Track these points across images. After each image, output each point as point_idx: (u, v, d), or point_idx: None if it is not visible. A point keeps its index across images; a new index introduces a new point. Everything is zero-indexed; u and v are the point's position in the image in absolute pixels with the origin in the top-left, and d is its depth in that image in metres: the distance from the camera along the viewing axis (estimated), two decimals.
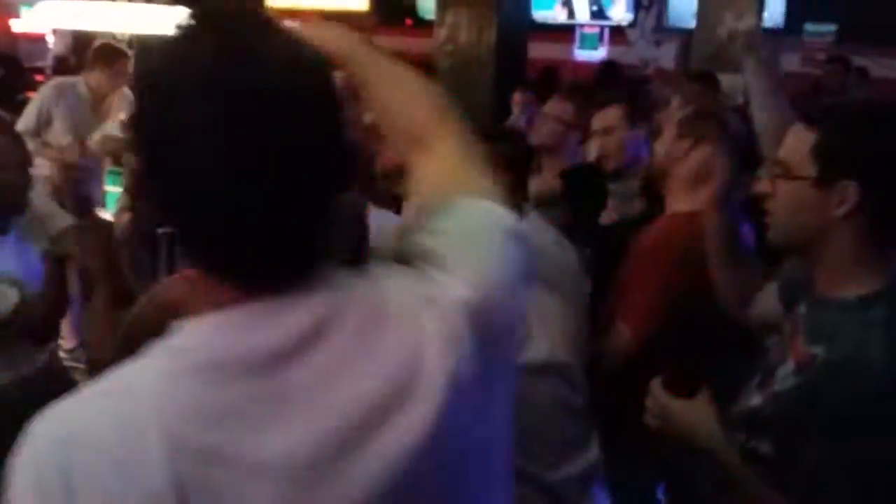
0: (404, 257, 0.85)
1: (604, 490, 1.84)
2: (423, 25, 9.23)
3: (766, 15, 5.73)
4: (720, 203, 1.49)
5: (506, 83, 6.02)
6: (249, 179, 0.71)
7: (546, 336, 1.73)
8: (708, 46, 5.30)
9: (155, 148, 0.74)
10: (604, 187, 2.47)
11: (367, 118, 1.27)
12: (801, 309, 1.34)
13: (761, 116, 2.05)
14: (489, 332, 0.80)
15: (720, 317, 2.12)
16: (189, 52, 0.73)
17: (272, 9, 10.81)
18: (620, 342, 2.00)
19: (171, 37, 0.75)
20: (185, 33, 0.75)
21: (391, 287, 0.80)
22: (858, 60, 5.94)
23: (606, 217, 2.32)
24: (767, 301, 1.47)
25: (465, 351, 0.77)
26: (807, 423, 1.18)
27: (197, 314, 0.75)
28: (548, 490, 1.73)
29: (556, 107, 3.01)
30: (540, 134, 2.96)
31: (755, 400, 1.31)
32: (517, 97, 4.88)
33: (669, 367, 1.43)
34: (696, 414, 1.36)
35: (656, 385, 1.41)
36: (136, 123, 0.75)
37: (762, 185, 1.35)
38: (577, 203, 2.41)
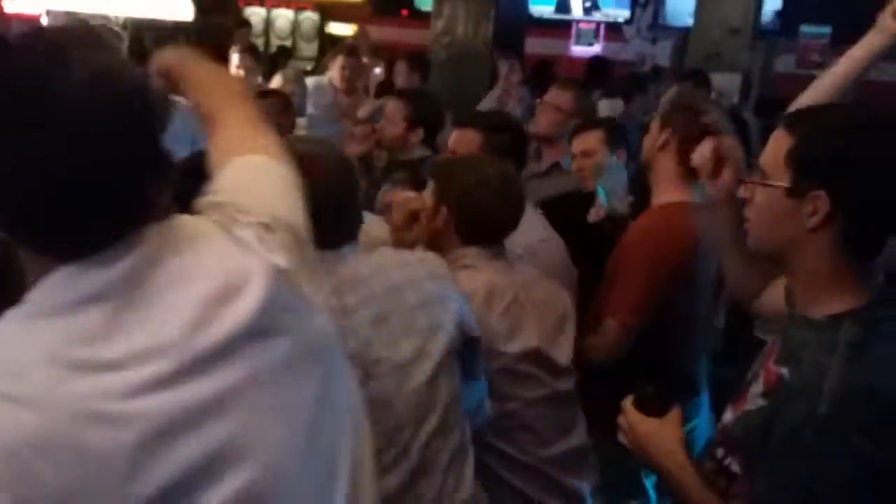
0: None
1: (591, 473, 1.87)
2: (420, 17, 9.21)
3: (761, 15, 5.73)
4: (730, 194, 1.43)
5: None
6: (57, 181, 0.80)
7: (531, 325, 1.78)
8: (704, 45, 5.31)
9: None
10: (583, 219, 2.47)
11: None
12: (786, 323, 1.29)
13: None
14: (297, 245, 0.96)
15: (701, 316, 2.17)
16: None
17: None
18: (609, 337, 2.03)
19: None
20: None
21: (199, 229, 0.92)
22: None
23: (594, 214, 2.35)
24: (778, 296, 1.42)
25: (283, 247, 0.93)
26: (763, 448, 1.15)
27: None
28: (531, 468, 1.76)
29: (556, 96, 3.04)
30: (540, 123, 3.00)
31: (727, 416, 1.28)
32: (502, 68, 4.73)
33: (642, 385, 1.41)
34: (659, 435, 1.35)
35: (628, 403, 1.40)
36: None
37: (742, 191, 1.29)
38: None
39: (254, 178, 1.01)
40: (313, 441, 0.91)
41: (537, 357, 1.77)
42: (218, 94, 1.14)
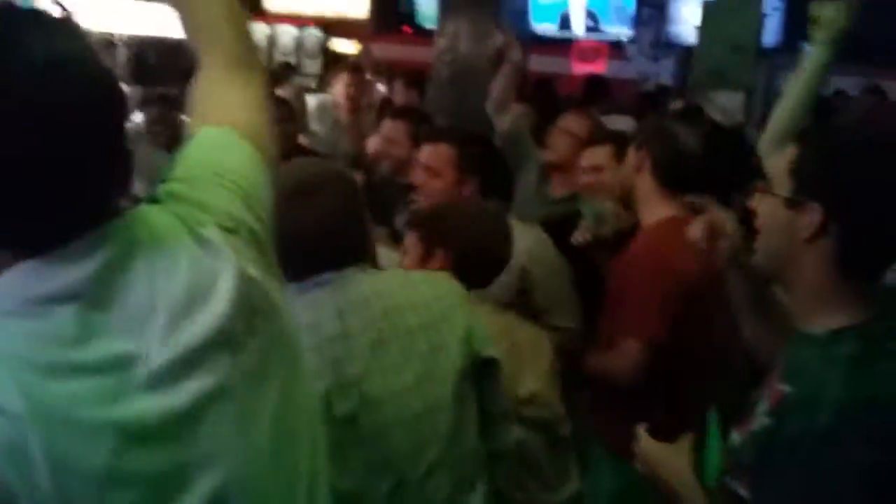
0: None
1: None
2: (422, 34, 9.24)
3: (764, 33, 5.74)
4: (734, 261, 1.44)
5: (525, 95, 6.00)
6: (16, 171, 0.76)
7: (529, 369, 1.76)
8: (707, 63, 5.31)
9: None
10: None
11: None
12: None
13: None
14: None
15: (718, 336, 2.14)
16: None
17: (270, 13, 10.83)
18: (630, 358, 2.00)
19: None
20: None
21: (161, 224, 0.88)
22: (857, 80, 5.95)
23: (578, 236, 2.29)
24: None
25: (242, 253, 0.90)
26: (768, 466, 1.13)
27: None
28: None
29: (570, 122, 2.99)
30: (555, 150, 2.93)
31: (734, 439, 1.26)
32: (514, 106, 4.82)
33: (656, 412, 1.42)
34: (671, 460, 1.33)
35: (641, 430, 1.38)
36: None
37: (751, 200, 1.31)
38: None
39: (217, 165, 0.96)
40: (278, 443, 0.91)
41: (540, 401, 1.76)
42: (210, 15, 1.05)
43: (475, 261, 1.71)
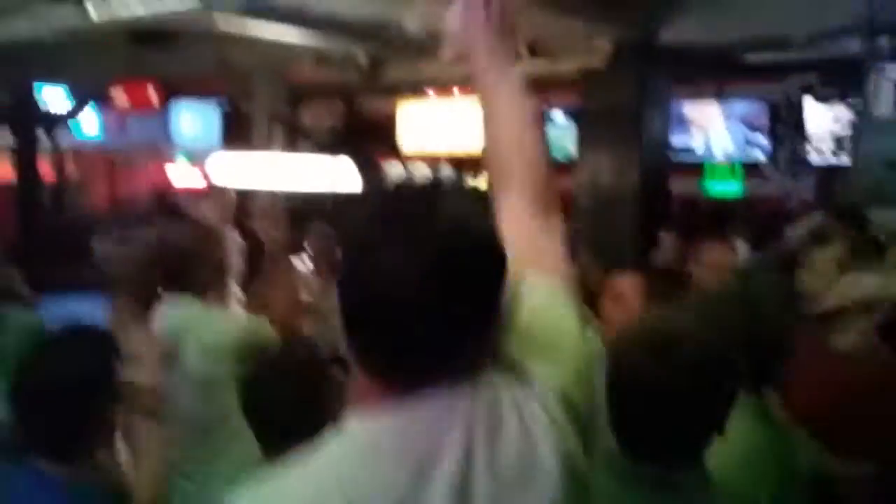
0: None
1: None
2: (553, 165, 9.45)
3: None
4: None
5: (649, 221, 6.03)
6: (428, 311, 0.86)
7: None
8: (862, 180, 5.18)
9: (355, 282, 0.90)
10: None
11: None
12: None
13: None
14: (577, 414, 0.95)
15: None
16: (391, 214, 0.91)
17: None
18: None
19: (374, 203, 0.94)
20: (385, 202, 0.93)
21: (500, 386, 0.93)
22: None
23: None
24: None
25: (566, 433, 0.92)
26: None
27: (358, 407, 0.91)
28: None
29: (718, 253, 3.03)
30: (707, 283, 2.96)
31: None
32: (663, 236, 4.88)
33: None
34: None
35: None
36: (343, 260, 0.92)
37: None
38: None
39: (554, 330, 1.01)
40: None
41: None
42: (514, 134, 1.12)
43: None
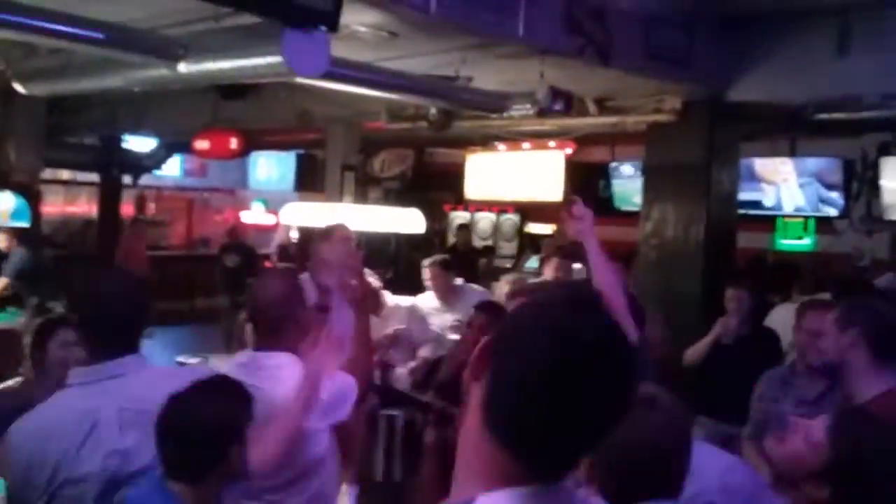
0: None
1: None
2: (619, 215, 9.48)
3: None
4: None
5: (714, 273, 6.00)
6: (564, 408, 0.97)
7: None
8: None
9: (505, 373, 1.00)
10: None
11: None
12: None
13: None
14: None
15: None
16: (539, 317, 1.02)
17: (471, 201, 11.54)
18: None
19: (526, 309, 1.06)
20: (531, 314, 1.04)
21: None
22: None
23: None
24: None
25: None
26: None
27: (483, 485, 0.99)
28: None
29: (815, 321, 3.09)
30: (810, 356, 3.05)
31: None
32: (730, 293, 4.85)
33: None
34: None
35: None
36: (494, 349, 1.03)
37: None
38: None
39: None
40: None
41: None
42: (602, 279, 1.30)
43: None
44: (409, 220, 5.91)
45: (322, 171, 8.77)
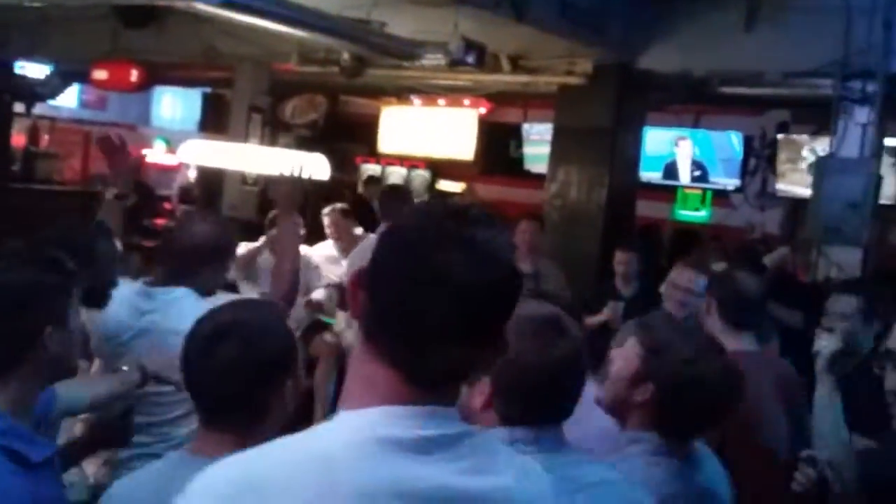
0: None
1: None
2: (527, 177, 9.56)
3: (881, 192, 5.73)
4: None
5: (613, 237, 6.13)
6: (447, 309, 0.96)
7: None
8: (822, 218, 5.31)
9: (387, 276, 0.99)
10: None
11: None
12: None
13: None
14: None
15: None
16: (427, 221, 1.01)
17: (383, 154, 11.43)
18: None
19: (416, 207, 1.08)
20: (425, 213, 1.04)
21: None
22: None
23: None
24: None
25: None
26: None
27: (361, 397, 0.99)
28: None
29: (684, 277, 3.13)
30: (673, 307, 3.07)
31: None
32: (619, 256, 4.97)
33: None
34: None
35: None
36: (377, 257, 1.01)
37: None
38: None
39: None
40: None
41: None
42: None
43: None
44: (312, 166, 5.78)
45: (230, 111, 8.49)
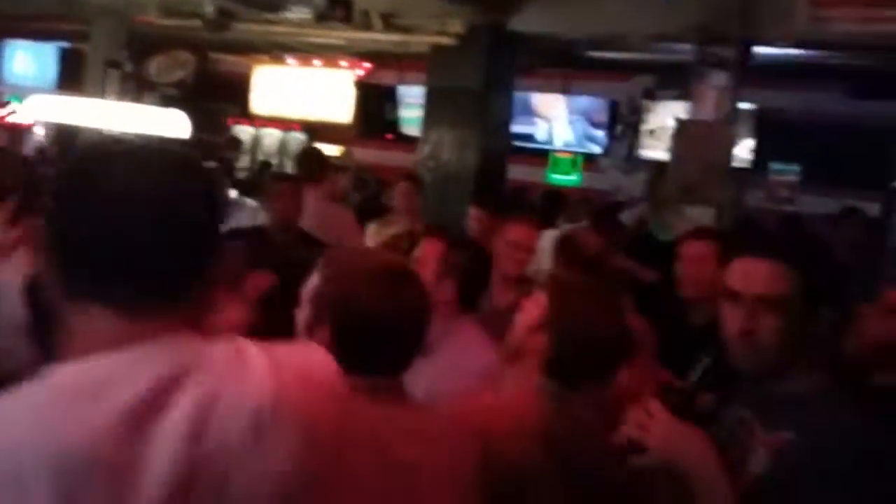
0: None
1: None
2: (404, 140, 9.53)
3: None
4: None
5: (485, 199, 6.18)
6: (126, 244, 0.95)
7: None
8: (680, 179, 5.54)
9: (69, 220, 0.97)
10: None
11: None
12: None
13: None
14: None
15: None
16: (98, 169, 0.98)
17: (257, 115, 11.11)
18: None
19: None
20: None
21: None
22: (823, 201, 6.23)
23: None
24: None
25: None
26: None
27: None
28: None
29: (521, 234, 3.10)
30: (509, 264, 3.03)
31: None
32: (472, 212, 4.98)
33: None
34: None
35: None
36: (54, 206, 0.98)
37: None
38: None
39: None
40: None
41: None
42: None
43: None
44: (173, 124, 5.55)
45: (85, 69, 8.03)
